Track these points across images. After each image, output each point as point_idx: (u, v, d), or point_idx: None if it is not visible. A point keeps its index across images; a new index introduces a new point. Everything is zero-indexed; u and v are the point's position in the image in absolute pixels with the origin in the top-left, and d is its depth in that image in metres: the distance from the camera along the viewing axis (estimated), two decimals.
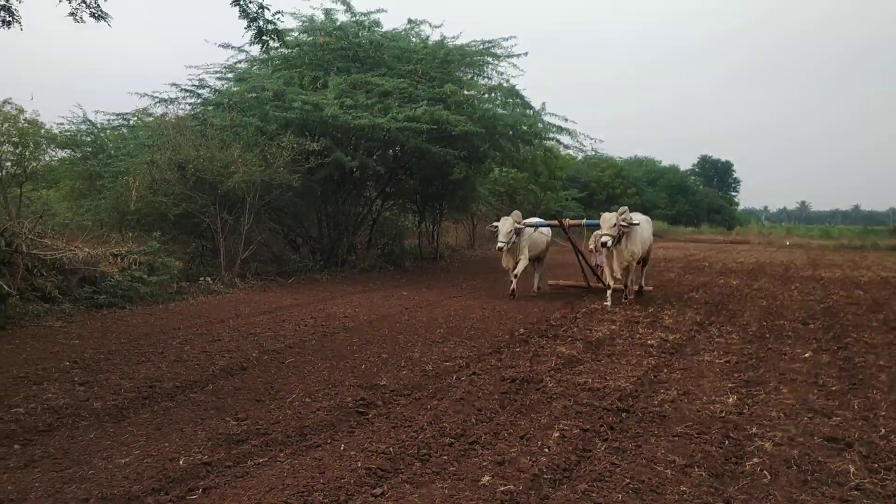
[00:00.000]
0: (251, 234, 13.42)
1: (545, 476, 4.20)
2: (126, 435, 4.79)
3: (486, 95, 17.35)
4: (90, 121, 18.59)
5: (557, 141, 17.24)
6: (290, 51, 16.62)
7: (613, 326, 9.52)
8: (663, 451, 4.62)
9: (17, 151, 19.94)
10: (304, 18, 16.46)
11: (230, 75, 16.24)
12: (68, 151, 19.17)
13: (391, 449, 4.55)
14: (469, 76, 17.12)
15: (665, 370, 7.08)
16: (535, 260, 13.24)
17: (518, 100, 17.86)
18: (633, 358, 7.57)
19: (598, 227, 11.40)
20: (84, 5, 7.12)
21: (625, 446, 4.76)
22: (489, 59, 16.63)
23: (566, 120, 16.74)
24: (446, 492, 3.92)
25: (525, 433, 4.95)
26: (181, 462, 4.27)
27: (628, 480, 4.14)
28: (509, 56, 16.81)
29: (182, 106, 15.32)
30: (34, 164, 20.26)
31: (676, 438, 4.92)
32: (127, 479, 4.02)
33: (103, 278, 10.23)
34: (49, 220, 16.91)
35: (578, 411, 5.51)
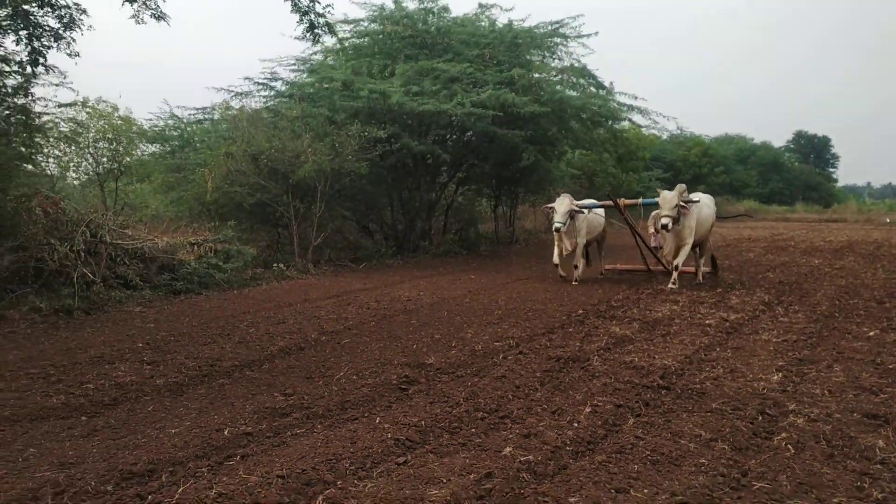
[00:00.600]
0: (323, 222, 13.85)
1: (567, 448, 4.31)
2: (181, 408, 5.15)
3: (557, 77, 17.31)
4: (177, 116, 19.45)
5: (630, 121, 17.03)
6: (360, 40, 17.00)
7: (675, 307, 9.45)
8: (691, 426, 4.65)
9: (112, 147, 21.06)
10: (374, 7, 16.79)
11: (303, 67, 16.70)
12: (158, 146, 20.12)
13: (423, 422, 4.74)
14: (539, 58, 17.11)
15: (718, 349, 7.02)
16: (595, 242, 12.96)
17: (591, 80, 17.76)
18: (686, 337, 7.53)
19: (656, 206, 11.05)
20: (145, 7, 7.58)
21: (654, 421, 4.81)
22: (558, 39, 16.57)
23: (636, 98, 16.52)
24: (467, 461, 4.08)
25: (558, 408, 5.06)
26: (226, 432, 4.58)
27: (649, 453, 4.21)
28: (578, 36, 16.74)
29: (256, 99, 15.87)
30: (128, 159, 21.37)
31: (709, 414, 4.93)
32: (174, 446, 4.34)
33: (181, 266, 10.79)
34: (139, 213, 17.88)
35: (617, 388, 5.56)
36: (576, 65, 17.46)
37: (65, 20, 9.40)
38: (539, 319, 8.63)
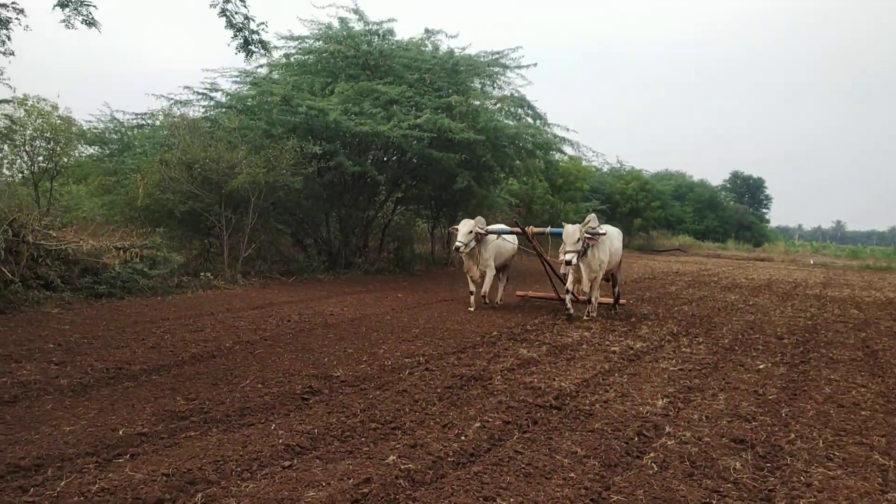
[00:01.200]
0: (255, 233, 13.93)
1: (449, 459, 4.54)
2: (80, 408, 5.23)
3: (496, 105, 17.75)
4: (117, 119, 19.30)
5: (562, 152, 17.55)
6: (305, 57, 17.19)
7: (586, 333, 9.81)
8: (570, 444, 4.94)
9: (50, 147, 20.77)
10: (321, 26, 17.02)
11: (247, 79, 16.80)
12: (96, 148, 19.89)
13: (316, 430, 4.93)
14: (479, 85, 17.54)
15: (616, 374, 7.36)
16: (501, 269, 12.75)
17: (529, 110, 18.27)
18: (589, 362, 7.86)
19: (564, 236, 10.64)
20: (77, 12, 7.68)
21: (537, 437, 5.08)
22: (497, 69, 17.02)
23: (567, 130, 17.06)
24: (351, 467, 4.28)
25: (449, 422, 5.30)
26: (120, 432, 4.69)
27: (524, 466, 4.47)
28: (518, 67, 17.24)
29: (195, 108, 15.91)
30: (65, 160, 21.07)
31: (590, 433, 5.23)
32: (66, 443, 4.44)
33: (105, 270, 10.77)
34: (71, 214, 17.66)
35: (510, 406, 5.83)
36: (515, 94, 17.98)
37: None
38: (453, 339, 8.88)
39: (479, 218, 11.80)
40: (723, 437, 5.30)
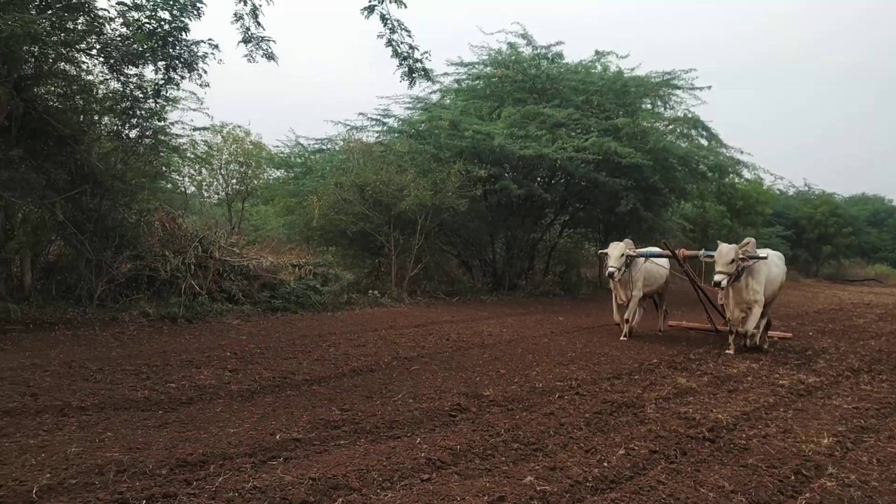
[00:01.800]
0: (421, 254, 14.39)
1: (588, 483, 4.48)
2: (245, 412, 5.64)
3: (669, 126, 17.35)
4: (301, 144, 20.65)
5: (737, 174, 16.82)
6: (475, 82, 17.64)
7: (754, 365, 9.30)
8: (718, 478, 4.72)
9: (242, 170, 22.56)
10: (491, 51, 17.42)
11: (418, 105, 17.45)
12: (282, 171, 21.38)
13: (458, 446, 5.02)
14: (649, 107, 17.22)
15: (781, 409, 6.93)
16: (656, 295, 11.98)
17: (702, 131, 17.68)
18: (753, 395, 7.45)
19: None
20: (258, 48, 8.38)
21: (683, 469, 4.89)
22: (668, 90, 16.64)
23: (741, 153, 16.36)
24: (487, 485, 4.33)
25: (592, 447, 5.22)
26: (277, 437, 5.02)
27: (665, 497, 4.33)
28: (691, 88, 16.75)
29: (369, 133, 16.72)
30: (255, 182, 22.81)
31: (742, 468, 4.97)
32: (229, 444, 4.81)
33: (281, 285, 11.52)
34: (258, 232, 19.03)
35: (659, 435, 5.65)
36: (688, 114, 17.48)
37: (198, 53, 10.36)
38: (609, 364, 8.72)
39: (627, 240, 11.09)
40: (893, 482, 4.86)
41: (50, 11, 8.43)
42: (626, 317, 11.01)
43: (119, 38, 9.19)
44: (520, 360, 8.61)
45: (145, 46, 9.42)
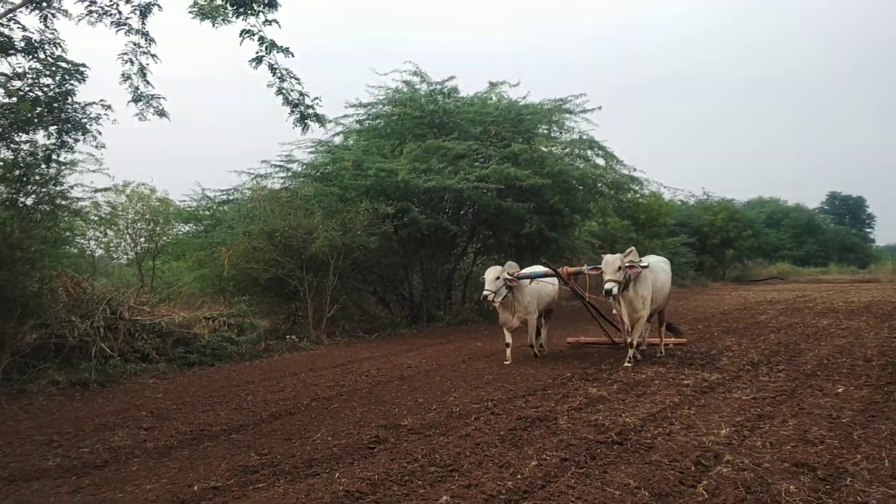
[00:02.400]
0: (336, 294, 14.46)
1: (501, 496, 4.68)
2: (162, 468, 5.63)
3: (566, 149, 18.01)
4: (208, 196, 20.45)
5: (633, 190, 17.58)
6: (375, 122, 17.95)
7: (662, 369, 9.73)
8: (624, 476, 4.99)
9: (150, 227, 22.13)
10: (388, 90, 17.78)
11: (321, 149, 17.60)
12: (191, 225, 21.07)
13: (377, 476, 5.15)
14: (546, 131, 17.85)
15: (685, 407, 7.31)
16: (544, 314, 11.74)
17: (598, 150, 18.41)
18: (659, 397, 7.83)
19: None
20: (149, 105, 8.42)
21: (592, 472, 5.15)
22: (562, 115, 17.32)
23: (634, 170, 17.17)
24: None
25: (506, 462, 5.43)
26: (195, 487, 5.04)
27: (573, 500, 4.57)
28: (583, 111, 17.47)
29: (274, 179, 16.76)
30: (164, 239, 22.40)
31: (647, 465, 5.26)
32: (146, 500, 4.82)
33: (195, 339, 11.41)
34: (169, 290, 18.71)
35: (570, 444, 5.91)
36: (584, 137, 18.19)
37: (90, 114, 10.28)
38: (525, 383, 8.99)
39: (510, 263, 11.08)
40: (784, 461, 5.24)
41: None
42: (529, 340, 11.12)
43: (3, 107, 9.07)
44: (438, 388, 8.79)
45: (32, 114, 9.32)
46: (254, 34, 8.63)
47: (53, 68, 9.12)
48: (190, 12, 8.93)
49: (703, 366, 9.89)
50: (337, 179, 15.19)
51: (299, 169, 16.88)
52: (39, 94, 9.32)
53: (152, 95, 8.65)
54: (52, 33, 9.35)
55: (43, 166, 10.09)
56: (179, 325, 11.47)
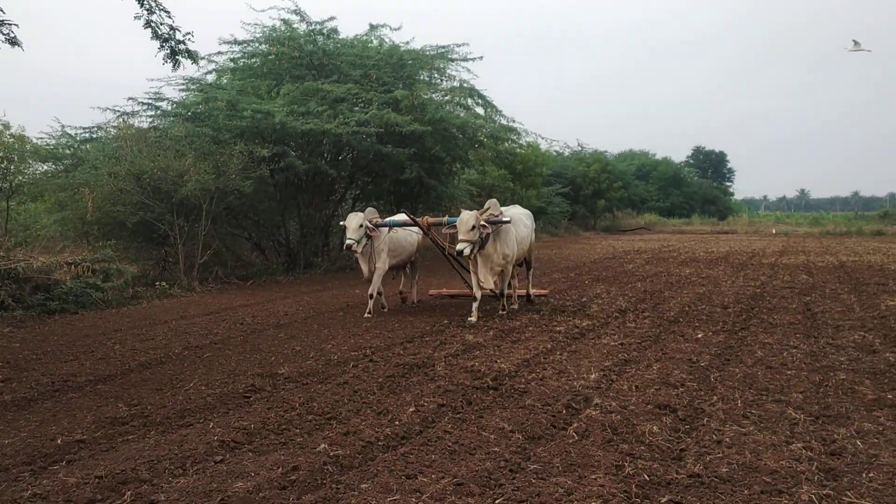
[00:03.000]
0: (209, 240, 13.99)
1: (380, 443, 4.72)
2: (21, 421, 5.33)
3: (447, 97, 17.97)
4: (69, 134, 19.16)
5: (512, 141, 17.83)
6: (251, 60, 17.26)
7: (535, 316, 10.02)
8: (498, 421, 5.13)
9: (3, 166, 20.55)
10: (265, 28, 17.10)
11: (193, 87, 16.79)
12: (50, 164, 19.71)
13: (252, 425, 5.07)
14: (427, 79, 17.72)
15: (558, 353, 7.57)
16: (406, 266, 11.43)
17: (479, 99, 18.49)
18: (533, 343, 8.07)
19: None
20: None
21: (468, 417, 5.27)
22: (444, 62, 17.22)
23: (514, 121, 17.43)
24: (281, 457, 4.43)
25: (384, 409, 5.47)
26: (59, 441, 4.81)
27: (450, 444, 4.65)
28: (464, 59, 17.44)
29: (142, 118, 15.90)
30: (20, 178, 20.86)
31: (521, 410, 5.42)
32: (4, 455, 4.55)
33: (57, 286, 10.79)
34: (26, 233, 17.55)
35: (447, 390, 6.01)
36: (465, 85, 18.19)
37: None
38: (403, 330, 9.06)
39: (370, 209, 10.59)
40: (648, 404, 5.53)
41: None
42: (370, 291, 10.36)
43: None
44: (315, 336, 8.72)
45: None
46: None
47: None
48: None
49: (575, 313, 10.26)
50: (210, 120, 14.57)
51: (169, 108, 16.06)
52: None
53: (2, 21, 7.90)
54: None
55: None
56: (38, 271, 10.80)
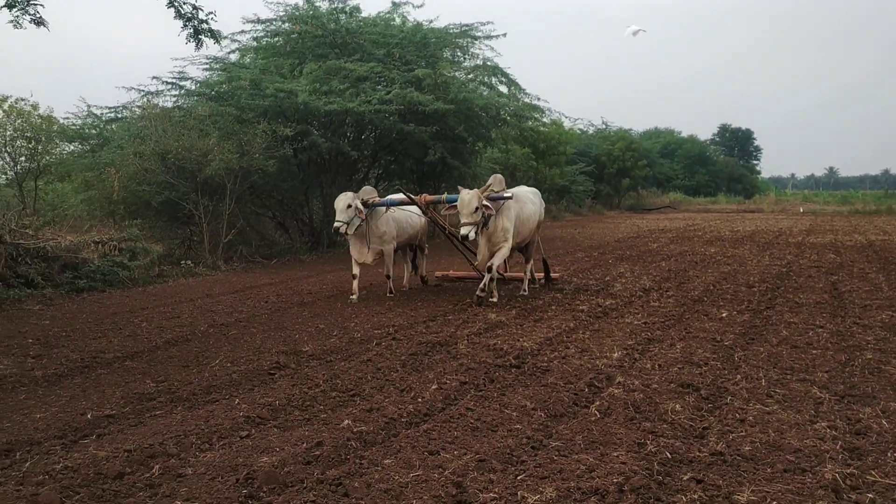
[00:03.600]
0: (233, 219, 14.10)
1: (403, 419, 4.76)
2: (52, 396, 5.44)
3: (470, 76, 17.91)
4: (94, 114, 19.32)
5: (535, 119, 17.74)
6: (273, 39, 17.28)
7: (559, 295, 10.01)
8: (521, 398, 5.15)
9: (31, 146, 20.80)
10: (288, 6, 17.10)
11: (216, 66, 16.85)
12: (76, 144, 19.92)
13: (277, 402, 5.14)
14: (450, 58, 17.65)
15: (580, 332, 7.57)
16: (410, 247, 11.08)
17: (502, 77, 18.41)
18: (556, 322, 8.07)
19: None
20: (24, 13, 7.77)
21: (490, 395, 5.30)
22: (467, 40, 17.15)
23: (539, 99, 17.29)
24: (306, 433, 4.49)
25: (407, 387, 5.51)
26: (89, 416, 4.90)
27: (473, 421, 4.69)
28: (487, 37, 17.35)
29: (166, 98, 16.00)
30: (47, 159, 21.11)
31: (543, 387, 5.44)
32: (36, 429, 4.65)
33: (84, 264, 10.93)
34: (55, 212, 17.78)
35: (470, 368, 6.04)
36: (489, 63, 18.12)
37: None
38: (426, 308, 9.10)
39: (366, 188, 10.11)
40: (671, 382, 5.52)
41: None
42: (385, 273, 10.21)
43: None
44: (339, 314, 8.78)
45: None
46: None
47: None
48: None
49: (598, 292, 10.24)
50: (233, 99, 14.62)
51: (193, 87, 16.16)
52: None
53: (28, 1, 7.95)
54: None
55: None
56: (66, 250, 10.94)
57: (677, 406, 4.88)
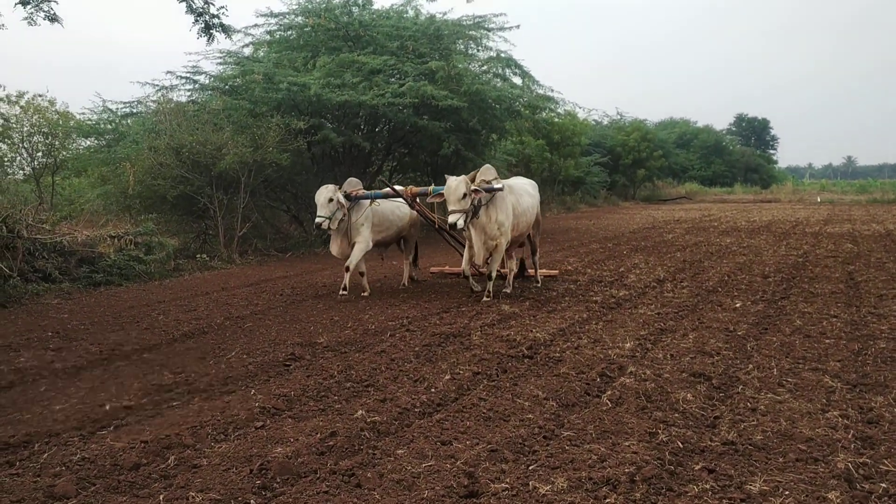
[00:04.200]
0: (248, 212, 14.18)
1: (416, 409, 4.80)
2: (72, 388, 5.52)
3: (484, 68, 17.91)
4: (109, 109, 19.47)
5: (549, 110, 17.71)
6: (287, 33, 17.33)
7: (572, 286, 10.01)
8: (533, 388, 5.18)
9: (48, 142, 20.99)
10: (302, 0, 17.14)
11: (230, 60, 16.93)
12: (92, 139, 20.08)
13: (293, 392, 5.20)
14: (464, 50, 17.66)
15: (594, 322, 7.58)
16: (402, 242, 10.71)
17: (516, 69, 18.39)
18: (569, 313, 8.09)
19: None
20: (38, 10, 7.85)
21: (503, 385, 5.33)
22: (480, 32, 17.14)
23: (552, 91, 17.26)
24: (320, 423, 4.54)
25: (421, 377, 5.55)
26: (107, 407, 4.98)
27: (485, 411, 4.72)
28: (500, 29, 17.33)
29: (180, 92, 16.10)
30: (64, 154, 21.29)
31: (555, 377, 5.47)
32: (55, 421, 4.73)
33: (101, 258, 11.05)
34: (72, 206, 17.94)
35: (483, 358, 6.07)
36: (502, 55, 18.10)
37: None
38: (440, 300, 9.13)
39: (351, 180, 9.83)
40: (683, 372, 5.53)
41: None
42: (346, 264, 9.53)
43: None
44: (353, 306, 8.84)
45: None
46: None
47: None
48: None
49: (612, 283, 10.24)
50: (247, 93, 14.70)
51: (206, 81, 16.23)
52: None
53: None
54: None
55: None
56: (83, 244, 11.07)
57: (689, 395, 4.90)
